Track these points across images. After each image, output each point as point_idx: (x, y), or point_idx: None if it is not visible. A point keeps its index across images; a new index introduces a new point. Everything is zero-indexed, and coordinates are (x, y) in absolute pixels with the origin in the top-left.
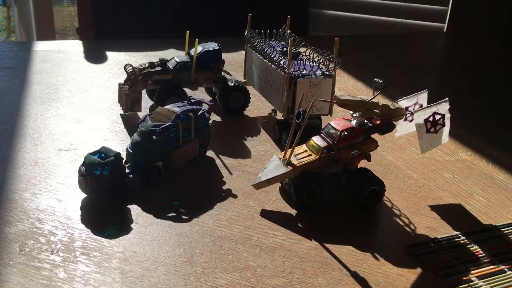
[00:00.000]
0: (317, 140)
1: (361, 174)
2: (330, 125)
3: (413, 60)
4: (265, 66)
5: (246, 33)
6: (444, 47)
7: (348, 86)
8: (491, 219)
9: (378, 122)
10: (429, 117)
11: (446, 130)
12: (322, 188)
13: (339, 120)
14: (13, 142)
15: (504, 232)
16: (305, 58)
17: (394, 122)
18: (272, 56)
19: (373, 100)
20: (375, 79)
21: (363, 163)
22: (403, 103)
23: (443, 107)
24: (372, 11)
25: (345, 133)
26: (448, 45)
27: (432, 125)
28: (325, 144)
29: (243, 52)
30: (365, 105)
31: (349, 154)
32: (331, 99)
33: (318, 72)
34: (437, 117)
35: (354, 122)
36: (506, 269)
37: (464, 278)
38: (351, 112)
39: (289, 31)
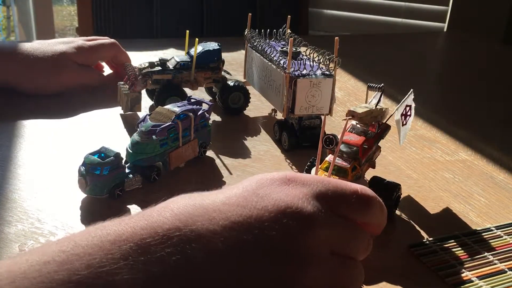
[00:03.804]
0: (337, 160)
1: (380, 184)
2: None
3: (413, 60)
4: (265, 65)
5: (246, 32)
6: (444, 47)
7: (348, 86)
8: (491, 219)
9: (373, 128)
10: (403, 110)
11: (411, 118)
12: None
13: (348, 135)
14: (12, 142)
15: (504, 232)
16: (305, 57)
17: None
18: (272, 55)
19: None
20: (369, 84)
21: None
22: (398, 112)
23: (410, 99)
24: (372, 11)
25: (365, 146)
26: (448, 45)
27: (404, 118)
28: (347, 164)
29: (243, 52)
30: (372, 113)
31: (367, 167)
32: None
33: (318, 72)
34: (407, 109)
35: (356, 133)
36: (506, 269)
37: (464, 278)
38: (355, 122)
39: (289, 30)
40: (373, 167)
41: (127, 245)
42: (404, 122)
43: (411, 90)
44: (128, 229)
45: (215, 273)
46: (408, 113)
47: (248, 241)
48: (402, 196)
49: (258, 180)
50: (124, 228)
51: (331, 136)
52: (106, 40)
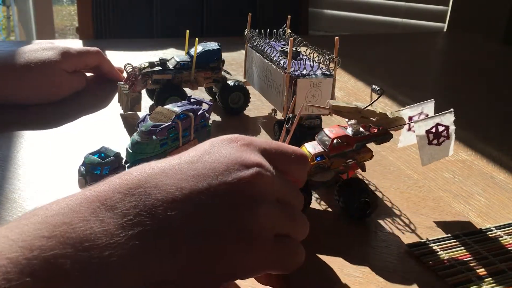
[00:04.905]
0: (309, 146)
1: (352, 184)
2: (324, 132)
3: (413, 60)
4: (265, 65)
5: (246, 32)
6: (444, 47)
7: (348, 86)
8: (491, 219)
9: (375, 131)
10: (431, 128)
11: (450, 143)
12: (310, 194)
13: (333, 127)
14: (12, 142)
15: (504, 232)
16: (305, 57)
17: (392, 132)
18: (272, 55)
19: (369, 107)
20: (372, 86)
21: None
22: (406, 112)
23: (448, 118)
24: (372, 10)
25: (337, 141)
26: (448, 45)
27: (434, 137)
28: (317, 151)
29: (243, 52)
30: (360, 112)
31: (342, 163)
32: (328, 103)
33: (318, 72)
34: (441, 128)
35: (349, 130)
36: (506, 269)
37: (464, 278)
38: (347, 119)
39: (289, 30)
40: (363, 169)
41: (95, 204)
42: (435, 142)
43: (451, 109)
44: (93, 193)
45: (175, 220)
46: (443, 134)
47: (205, 188)
48: (402, 196)
49: (209, 142)
50: (89, 193)
51: (290, 116)
52: (90, 48)
